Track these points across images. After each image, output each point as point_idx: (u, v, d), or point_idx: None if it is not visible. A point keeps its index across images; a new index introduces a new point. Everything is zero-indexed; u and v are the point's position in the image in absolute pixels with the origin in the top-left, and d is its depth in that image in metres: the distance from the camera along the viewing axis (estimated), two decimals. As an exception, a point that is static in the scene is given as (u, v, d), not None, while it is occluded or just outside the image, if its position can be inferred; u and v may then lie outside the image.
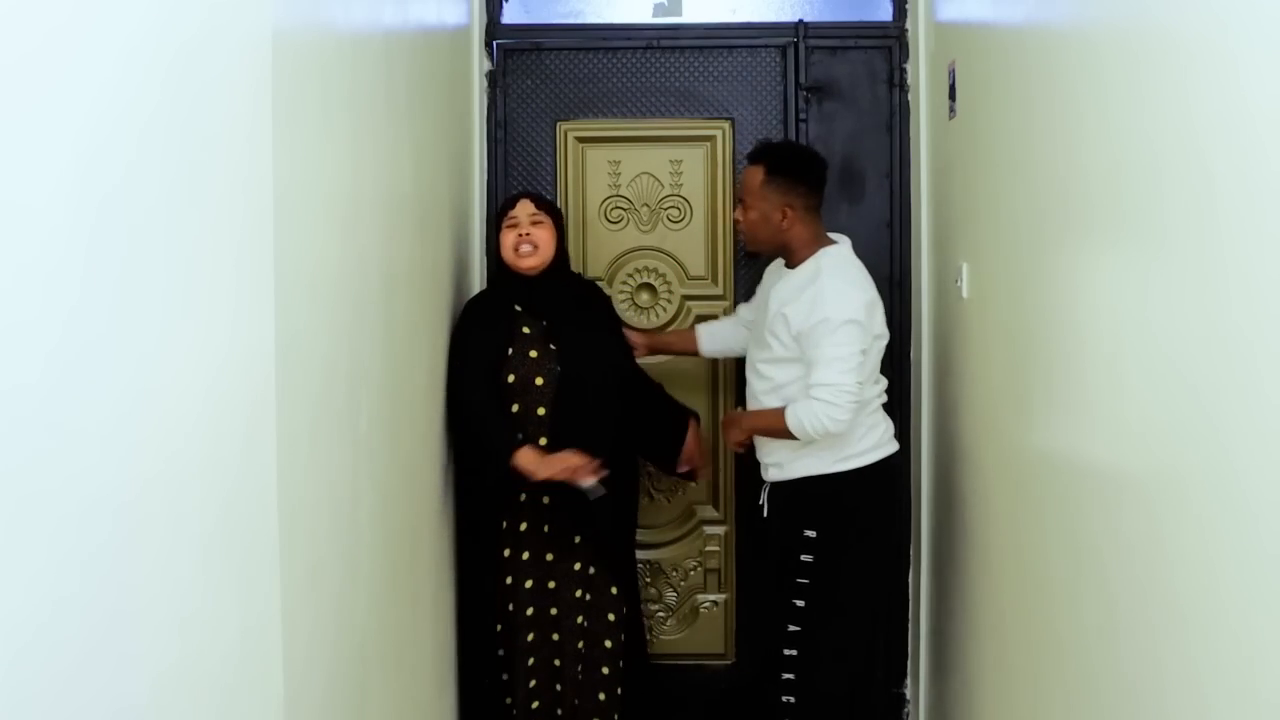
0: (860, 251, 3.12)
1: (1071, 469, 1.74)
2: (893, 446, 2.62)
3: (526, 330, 2.59)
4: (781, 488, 2.62)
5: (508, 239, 2.61)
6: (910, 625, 3.14)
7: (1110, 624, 1.57)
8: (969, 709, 2.53)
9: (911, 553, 3.12)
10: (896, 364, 3.11)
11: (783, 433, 2.49)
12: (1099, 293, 1.62)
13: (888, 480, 2.62)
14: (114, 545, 0.85)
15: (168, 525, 0.95)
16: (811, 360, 2.46)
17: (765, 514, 2.68)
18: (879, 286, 3.11)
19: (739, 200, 2.68)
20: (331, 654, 1.48)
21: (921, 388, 3.05)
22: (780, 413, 2.49)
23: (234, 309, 1.11)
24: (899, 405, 3.10)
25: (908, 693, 3.16)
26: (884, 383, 2.65)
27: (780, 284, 2.58)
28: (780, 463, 2.61)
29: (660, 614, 3.21)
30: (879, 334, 2.55)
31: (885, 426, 2.62)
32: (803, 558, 2.56)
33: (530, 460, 2.48)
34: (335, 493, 1.51)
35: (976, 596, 2.45)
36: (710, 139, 3.15)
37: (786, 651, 2.58)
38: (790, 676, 2.58)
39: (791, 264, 2.61)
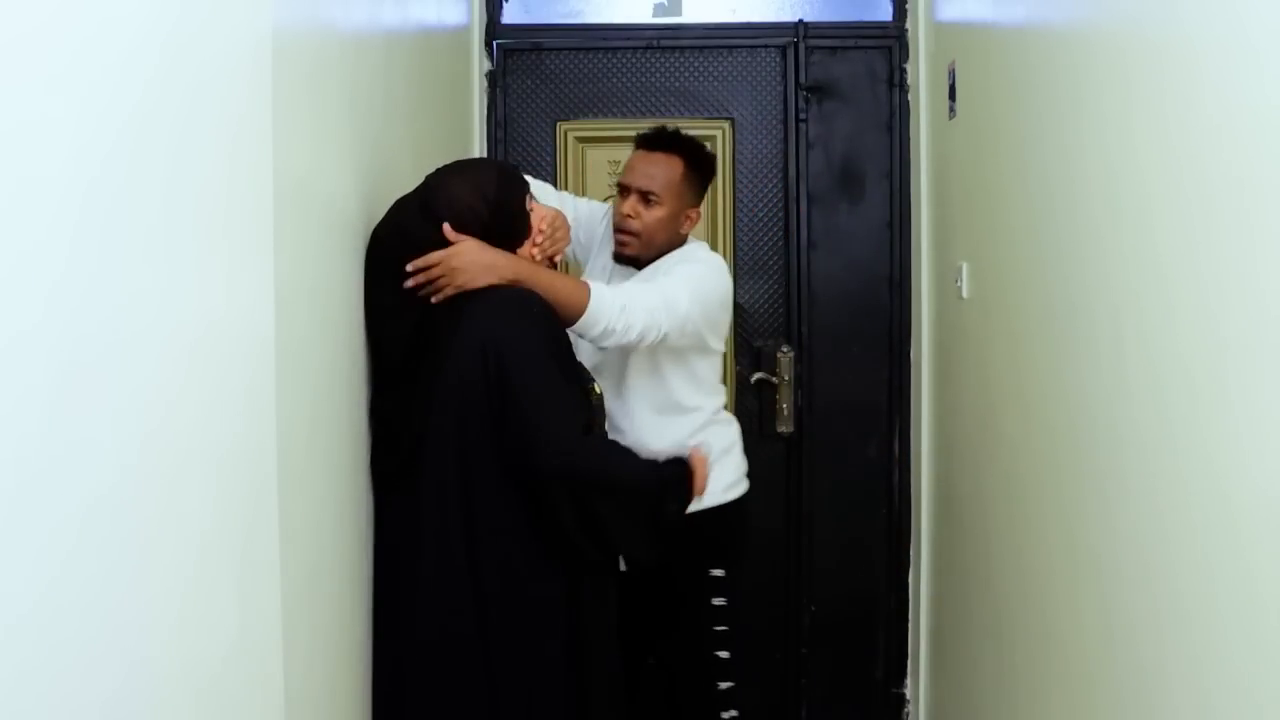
0: (860, 251, 3.14)
1: (1071, 469, 1.74)
2: (747, 484, 2.31)
3: None
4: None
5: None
6: (910, 625, 3.14)
7: (1110, 624, 1.57)
8: (969, 709, 2.53)
9: (912, 553, 3.13)
10: (896, 364, 3.11)
11: (570, 299, 1.87)
12: (1099, 292, 1.62)
13: (749, 519, 2.34)
14: (113, 545, 0.85)
15: (168, 525, 0.94)
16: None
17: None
18: (879, 286, 3.14)
19: (631, 190, 2.18)
20: (331, 654, 1.48)
21: (921, 388, 3.05)
22: (583, 286, 1.91)
23: (234, 309, 1.11)
24: (899, 405, 3.11)
25: (908, 693, 3.16)
26: (724, 395, 2.32)
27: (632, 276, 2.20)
28: None
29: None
30: (723, 335, 2.26)
31: (745, 459, 2.33)
32: (714, 601, 2.22)
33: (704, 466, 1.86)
34: (336, 492, 1.51)
35: (976, 596, 2.45)
36: (710, 139, 3.14)
37: (725, 716, 2.25)
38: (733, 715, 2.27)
39: (639, 265, 2.22)
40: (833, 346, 3.13)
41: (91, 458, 0.81)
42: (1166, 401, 1.38)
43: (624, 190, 2.20)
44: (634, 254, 2.20)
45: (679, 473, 1.82)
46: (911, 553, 3.12)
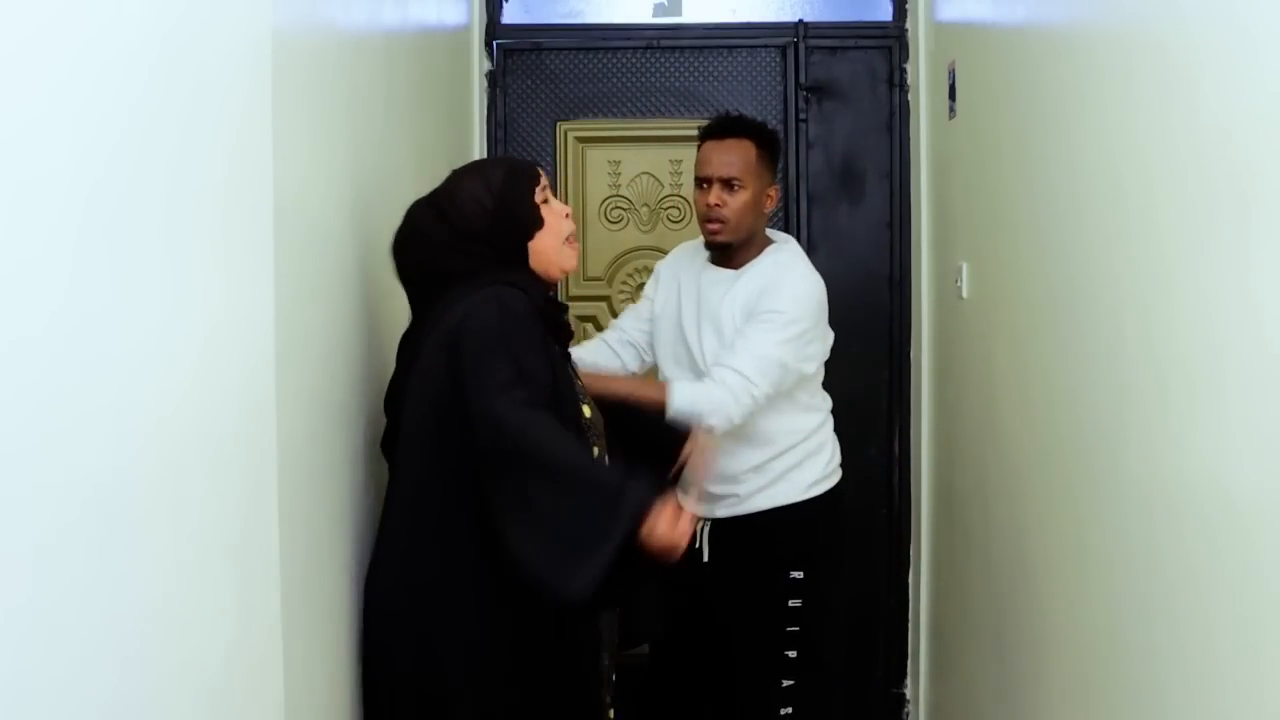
0: (860, 251, 3.13)
1: (1072, 468, 1.74)
2: (839, 473, 2.35)
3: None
4: (739, 524, 2.25)
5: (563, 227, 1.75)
6: (910, 625, 3.14)
7: (1110, 624, 1.57)
8: (969, 709, 2.53)
9: (912, 553, 3.13)
10: (896, 364, 3.12)
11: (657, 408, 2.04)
12: (1099, 292, 1.62)
13: (841, 505, 2.37)
14: (113, 544, 0.85)
15: (167, 524, 0.95)
16: (736, 345, 2.13)
17: (705, 557, 2.25)
18: (879, 286, 3.14)
19: (713, 180, 2.21)
20: (331, 653, 1.48)
21: (921, 388, 3.06)
22: (661, 388, 2.08)
23: (234, 309, 1.11)
24: (899, 405, 3.11)
25: (908, 693, 3.16)
26: (828, 403, 2.37)
27: (731, 290, 2.24)
28: (744, 491, 2.24)
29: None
30: (826, 350, 2.31)
31: (837, 446, 2.37)
32: (791, 603, 2.25)
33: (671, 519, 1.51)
34: (335, 491, 1.51)
35: (976, 596, 2.45)
36: (710, 139, 3.15)
37: (783, 711, 2.28)
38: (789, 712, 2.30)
39: (733, 264, 2.27)
40: (833, 347, 3.12)
41: (92, 458, 0.81)
42: (1167, 400, 1.38)
43: (704, 183, 2.24)
44: (726, 240, 2.24)
45: (643, 495, 1.50)
46: (911, 553, 3.12)
